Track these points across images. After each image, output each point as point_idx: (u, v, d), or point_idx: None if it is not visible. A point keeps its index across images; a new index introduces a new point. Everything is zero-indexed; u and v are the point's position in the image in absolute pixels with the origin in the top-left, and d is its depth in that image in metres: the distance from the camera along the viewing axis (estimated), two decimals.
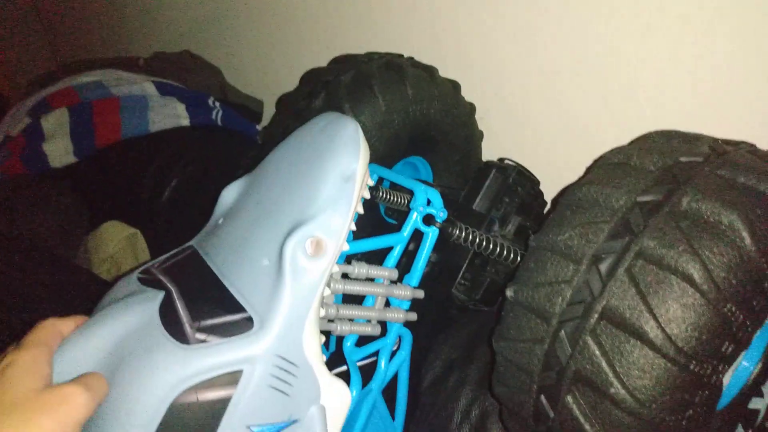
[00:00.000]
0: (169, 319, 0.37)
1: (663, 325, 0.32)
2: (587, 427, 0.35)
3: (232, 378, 0.35)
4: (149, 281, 0.42)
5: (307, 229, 0.38)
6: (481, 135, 0.68)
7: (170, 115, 1.06)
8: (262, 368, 0.36)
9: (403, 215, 0.57)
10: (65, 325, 0.38)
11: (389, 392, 0.49)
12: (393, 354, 0.47)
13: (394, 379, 0.48)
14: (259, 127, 1.08)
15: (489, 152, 0.72)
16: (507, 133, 0.73)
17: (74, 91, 1.09)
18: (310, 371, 0.38)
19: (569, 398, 0.35)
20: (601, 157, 0.41)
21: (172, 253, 0.45)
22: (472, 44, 0.73)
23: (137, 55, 1.24)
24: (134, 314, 0.38)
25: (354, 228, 0.41)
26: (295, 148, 0.44)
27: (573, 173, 0.57)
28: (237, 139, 1.07)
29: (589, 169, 0.41)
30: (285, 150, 0.45)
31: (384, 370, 0.46)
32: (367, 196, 0.43)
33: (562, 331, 0.35)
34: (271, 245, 0.39)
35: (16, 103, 1.22)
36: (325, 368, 0.39)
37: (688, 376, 0.33)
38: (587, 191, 0.38)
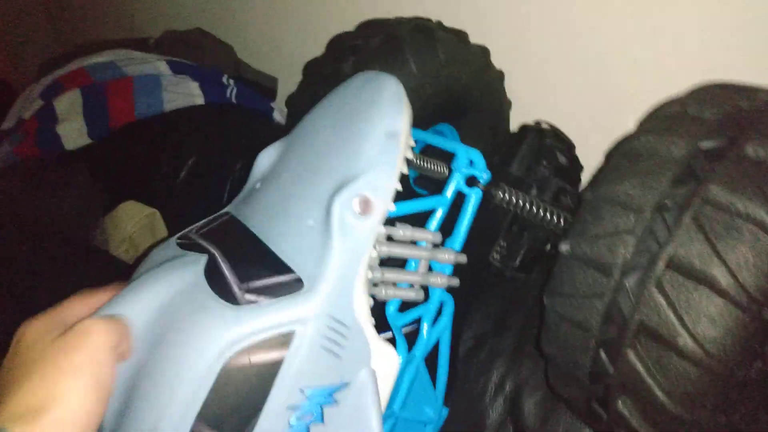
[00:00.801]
0: (215, 281, 0.36)
1: (734, 271, 0.31)
2: (650, 381, 0.34)
3: (284, 339, 0.34)
4: (189, 246, 0.41)
5: (355, 187, 0.37)
6: (509, 103, 0.67)
7: (184, 93, 1.05)
8: (314, 329, 0.35)
9: (433, 185, 0.55)
10: (97, 298, 0.37)
11: (429, 360, 0.48)
12: (435, 320, 0.46)
13: (434, 348, 0.48)
14: (273, 105, 1.06)
15: (514, 122, 0.70)
16: (533, 102, 0.72)
17: (86, 71, 1.07)
18: (360, 333, 0.37)
19: (631, 352, 0.34)
20: (654, 110, 0.40)
21: (207, 220, 0.44)
22: (496, 7, 0.71)
23: (147, 35, 1.22)
24: (178, 277, 0.37)
25: (400, 188, 0.39)
26: (333, 108, 0.43)
27: (602, 142, 0.56)
28: (252, 117, 1.05)
29: (642, 122, 0.40)
30: (323, 110, 0.44)
31: (427, 336, 0.45)
32: (410, 156, 0.41)
33: (626, 283, 0.34)
34: (316, 205, 0.38)
35: (20, 89, 1.21)
36: (374, 331, 0.38)
37: (760, 324, 0.32)
38: (645, 141, 0.37)
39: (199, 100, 1.04)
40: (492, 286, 0.55)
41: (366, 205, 0.37)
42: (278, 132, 0.47)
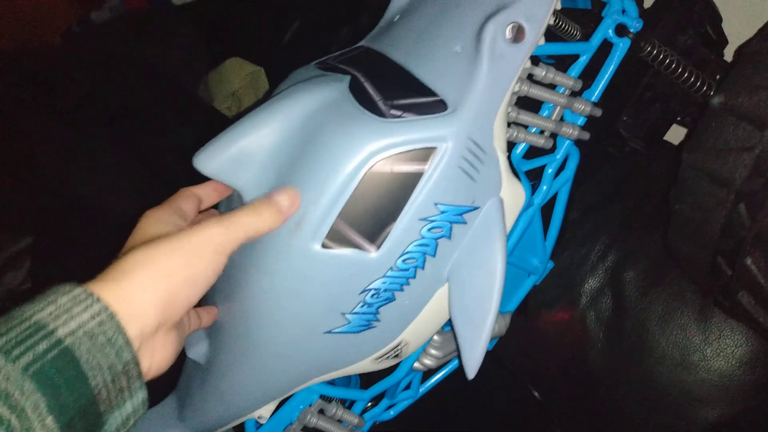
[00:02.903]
0: (361, 96, 0.37)
1: None
2: None
3: (426, 154, 0.36)
4: (330, 69, 0.42)
5: (511, 13, 0.37)
6: None
7: None
8: (454, 148, 0.36)
9: None
10: (202, 189, 0.39)
11: (544, 213, 0.48)
12: (557, 173, 0.46)
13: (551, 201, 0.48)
14: None
15: None
16: None
17: None
18: (496, 161, 0.38)
19: None
20: None
21: (343, 51, 0.45)
22: None
23: None
24: (324, 90, 0.38)
25: (552, 22, 0.39)
26: None
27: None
28: None
29: None
30: None
31: (548, 186, 0.45)
32: None
33: None
34: (466, 31, 0.38)
35: None
36: (507, 163, 0.39)
37: None
38: None
39: None
40: (611, 156, 0.54)
41: (519, 33, 0.37)
42: (384, 3, 0.46)
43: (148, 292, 0.28)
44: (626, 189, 0.60)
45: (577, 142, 0.46)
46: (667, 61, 0.44)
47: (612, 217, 0.59)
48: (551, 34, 0.56)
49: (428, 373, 0.51)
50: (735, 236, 0.36)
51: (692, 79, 0.44)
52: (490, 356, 0.43)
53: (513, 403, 0.62)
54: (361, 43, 0.46)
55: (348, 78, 0.39)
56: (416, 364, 0.47)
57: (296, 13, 1.00)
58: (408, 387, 0.51)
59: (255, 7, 1.04)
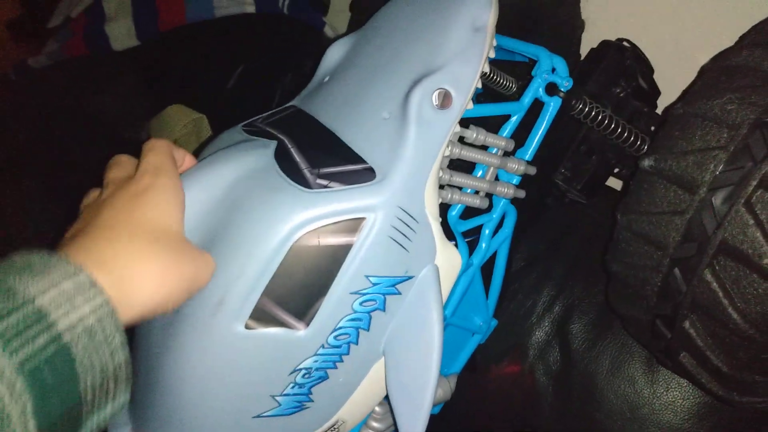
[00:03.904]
0: (286, 164, 0.36)
1: None
2: (725, 301, 0.33)
3: (354, 225, 0.34)
4: (257, 132, 0.40)
5: (436, 79, 0.36)
6: (582, 24, 0.64)
7: (235, 0, 1.03)
8: (384, 218, 0.34)
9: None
10: (178, 153, 0.37)
11: (484, 272, 0.47)
12: (495, 231, 0.45)
13: (491, 259, 0.47)
14: (325, 19, 1.03)
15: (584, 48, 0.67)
16: (608, 24, 0.68)
17: None
18: (428, 228, 0.36)
19: (708, 272, 0.33)
20: (760, 24, 0.38)
21: (273, 111, 0.43)
22: None
23: None
24: (248, 158, 0.36)
25: (480, 86, 0.38)
26: (414, 1, 0.41)
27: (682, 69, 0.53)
28: (303, 30, 1.03)
29: (744, 36, 0.38)
30: (401, 3, 0.42)
31: (487, 245, 0.44)
32: (493, 55, 0.40)
33: (712, 200, 0.33)
34: (393, 97, 0.37)
35: None
36: (441, 229, 0.37)
37: None
38: (747, 56, 0.35)
39: (251, 9, 1.02)
40: (550, 208, 0.54)
41: (446, 99, 0.36)
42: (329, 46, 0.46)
43: (146, 290, 0.28)
44: (570, 237, 0.59)
45: (515, 199, 0.45)
46: (599, 118, 0.44)
47: (557, 267, 0.59)
48: (486, 87, 0.56)
49: None
50: (672, 300, 0.35)
51: (625, 134, 0.45)
52: (435, 421, 0.41)
53: None
54: (293, 102, 0.45)
55: (274, 144, 0.37)
56: None
57: (240, 59, 0.99)
58: None
59: (198, 52, 1.02)
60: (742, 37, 0.38)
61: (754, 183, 0.32)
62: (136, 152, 0.36)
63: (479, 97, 0.61)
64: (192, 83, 1.00)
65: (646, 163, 0.36)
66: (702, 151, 0.34)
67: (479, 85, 0.38)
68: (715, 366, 0.36)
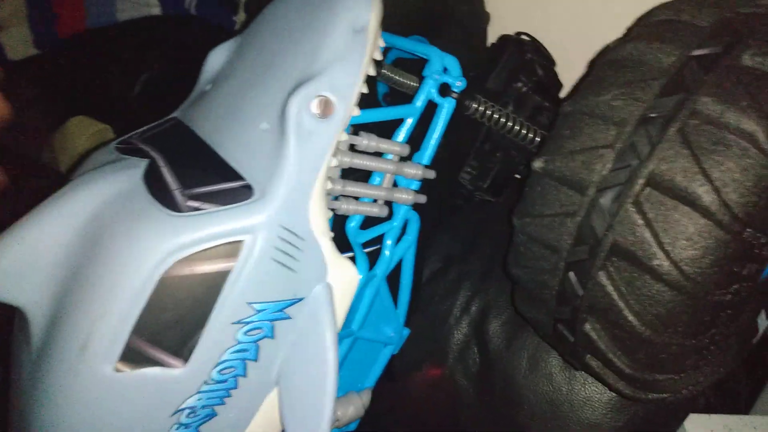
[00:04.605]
0: (155, 186, 0.33)
1: (718, 189, 0.29)
2: (621, 303, 0.32)
3: (232, 249, 0.31)
4: (129, 150, 0.37)
5: (313, 86, 0.33)
6: (488, 17, 0.63)
7: (139, 2, 0.97)
8: (265, 239, 0.32)
9: (403, 101, 0.52)
10: None
11: (393, 280, 0.46)
12: (399, 239, 0.44)
13: (398, 267, 0.45)
14: (236, 19, 0.99)
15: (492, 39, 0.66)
16: (514, 17, 0.67)
17: None
18: (316, 246, 0.34)
19: (602, 274, 0.32)
20: (644, 15, 0.37)
21: (151, 125, 0.40)
22: None
23: None
24: (114, 181, 0.33)
25: (366, 90, 0.36)
26: (295, 1, 0.39)
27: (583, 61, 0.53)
28: (212, 31, 0.98)
29: (630, 29, 0.37)
30: (281, 3, 0.39)
31: (390, 254, 0.43)
32: (379, 57, 0.38)
33: (600, 201, 0.32)
34: (271, 107, 0.34)
35: None
36: (332, 245, 0.35)
37: (740, 245, 0.30)
38: (632, 48, 0.34)
39: (156, 10, 0.97)
40: (461, 208, 0.53)
41: (326, 107, 0.34)
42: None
43: None
44: (484, 236, 0.58)
45: (420, 204, 0.43)
46: (495, 116, 0.43)
47: (472, 267, 0.58)
48: (394, 90, 0.54)
49: None
50: (570, 304, 0.34)
51: (522, 132, 0.44)
52: None
53: None
54: (175, 113, 0.41)
55: (145, 163, 0.34)
56: None
57: (146, 64, 0.94)
58: None
59: (100, 60, 0.96)
60: (629, 29, 0.37)
61: (641, 181, 0.31)
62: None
63: (386, 96, 0.59)
64: (96, 93, 0.94)
65: (537, 164, 0.35)
66: (590, 150, 0.33)
67: (365, 90, 0.36)
68: (619, 368, 0.35)
